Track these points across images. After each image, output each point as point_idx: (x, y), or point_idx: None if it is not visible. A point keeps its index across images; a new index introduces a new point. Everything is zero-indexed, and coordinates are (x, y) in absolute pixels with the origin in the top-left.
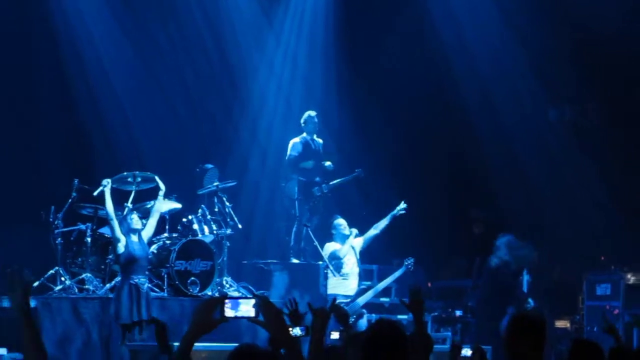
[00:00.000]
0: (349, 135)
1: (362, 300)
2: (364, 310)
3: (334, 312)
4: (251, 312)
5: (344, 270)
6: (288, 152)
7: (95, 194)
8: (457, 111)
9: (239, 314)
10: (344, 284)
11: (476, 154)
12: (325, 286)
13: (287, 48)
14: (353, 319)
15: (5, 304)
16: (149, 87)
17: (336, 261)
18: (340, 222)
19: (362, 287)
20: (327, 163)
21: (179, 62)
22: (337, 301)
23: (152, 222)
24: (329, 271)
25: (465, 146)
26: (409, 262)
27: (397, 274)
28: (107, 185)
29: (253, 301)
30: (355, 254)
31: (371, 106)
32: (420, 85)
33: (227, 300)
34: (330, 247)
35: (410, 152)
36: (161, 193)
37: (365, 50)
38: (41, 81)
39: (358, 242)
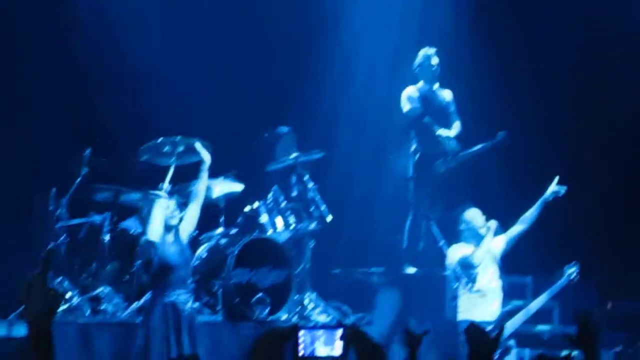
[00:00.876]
0: (486, 86)
1: (508, 327)
2: (512, 343)
3: (472, 342)
4: (337, 350)
5: (479, 285)
6: (403, 109)
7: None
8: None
9: (321, 353)
10: (480, 304)
11: None
12: (455, 308)
13: None
14: (497, 357)
15: (18, 331)
16: (193, 24)
17: (468, 271)
18: (473, 214)
19: (508, 308)
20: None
21: None
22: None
23: (193, 212)
24: (459, 285)
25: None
26: (572, 270)
27: (555, 287)
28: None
29: (340, 332)
30: (496, 260)
31: (520, 46)
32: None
33: (301, 333)
34: (457, 250)
35: (576, 117)
36: (205, 166)
37: None
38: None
39: (499, 244)
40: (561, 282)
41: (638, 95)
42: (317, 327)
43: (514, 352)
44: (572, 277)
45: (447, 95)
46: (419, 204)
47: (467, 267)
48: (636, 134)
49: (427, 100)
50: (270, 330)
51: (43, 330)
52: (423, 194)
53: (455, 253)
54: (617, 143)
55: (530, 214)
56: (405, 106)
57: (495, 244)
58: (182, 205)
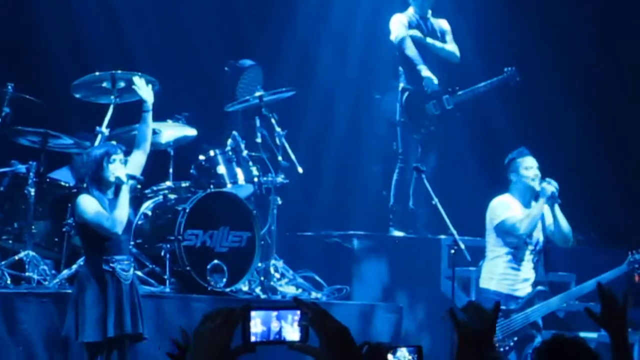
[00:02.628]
0: (491, 16)
1: (538, 309)
2: (535, 332)
3: (480, 318)
4: (294, 334)
5: (518, 253)
6: (394, 39)
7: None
8: None
9: (277, 335)
10: (511, 277)
11: None
12: (478, 280)
13: None
14: (512, 343)
15: None
16: None
17: (509, 238)
18: (528, 161)
19: (540, 289)
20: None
21: None
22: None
23: (137, 161)
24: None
25: None
26: (638, 257)
27: (612, 273)
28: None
29: (297, 315)
30: (545, 226)
31: None
32: None
33: (253, 313)
34: (501, 204)
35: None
36: (146, 106)
37: None
38: None
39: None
40: (621, 268)
41: None
42: (271, 307)
43: (537, 340)
44: (637, 265)
45: (442, 24)
46: (409, 153)
47: (506, 231)
48: None
49: (419, 31)
50: (219, 310)
51: None
52: (413, 142)
53: (499, 207)
54: None
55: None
56: (393, 36)
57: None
58: (125, 154)
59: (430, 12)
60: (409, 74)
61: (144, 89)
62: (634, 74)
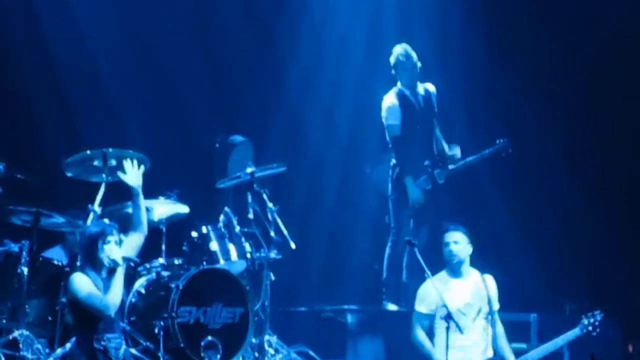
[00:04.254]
0: (479, 86)
1: None
2: None
3: None
4: None
5: (463, 324)
6: (384, 122)
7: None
8: None
9: None
10: (463, 350)
11: None
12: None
13: None
14: None
15: None
16: (127, 18)
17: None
18: (452, 236)
19: (497, 357)
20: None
21: None
22: None
23: (134, 243)
24: (449, 325)
25: None
26: (595, 318)
27: (565, 338)
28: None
29: None
30: (488, 296)
31: (523, 30)
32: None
33: None
34: (427, 285)
35: (590, 123)
36: (136, 189)
37: None
38: None
39: (491, 283)
40: (574, 332)
41: None
42: None
43: None
44: (590, 329)
45: (430, 88)
46: (400, 227)
47: (447, 312)
48: None
49: (409, 105)
50: None
51: None
52: (405, 216)
53: (425, 289)
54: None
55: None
56: (386, 118)
57: (488, 282)
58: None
59: (418, 84)
60: (399, 149)
61: (131, 174)
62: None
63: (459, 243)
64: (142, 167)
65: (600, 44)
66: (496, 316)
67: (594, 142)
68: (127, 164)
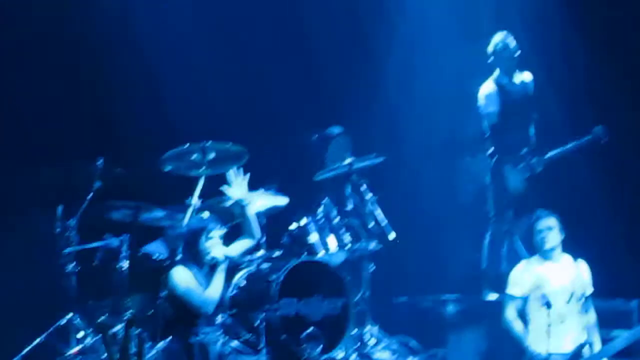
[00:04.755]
0: (576, 73)
1: (590, 355)
2: None
3: None
4: None
5: (555, 310)
6: (482, 110)
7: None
8: None
9: None
10: (557, 334)
11: None
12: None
13: None
14: None
15: None
16: (221, 12)
17: (538, 295)
18: (543, 223)
19: (585, 342)
20: None
21: None
22: None
23: (244, 245)
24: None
25: None
26: None
27: None
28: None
29: None
30: (582, 280)
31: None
32: None
33: None
34: (520, 268)
35: None
36: (242, 201)
37: None
38: None
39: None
40: None
41: None
42: None
43: None
44: None
45: (527, 79)
46: (500, 216)
47: (538, 290)
48: None
49: (507, 94)
50: None
51: None
52: (504, 205)
53: (526, 272)
54: None
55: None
56: (484, 106)
57: (582, 269)
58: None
59: (516, 72)
60: (498, 138)
61: (235, 187)
62: None
63: (552, 229)
64: (247, 177)
65: None
66: (589, 301)
67: None
68: (231, 176)
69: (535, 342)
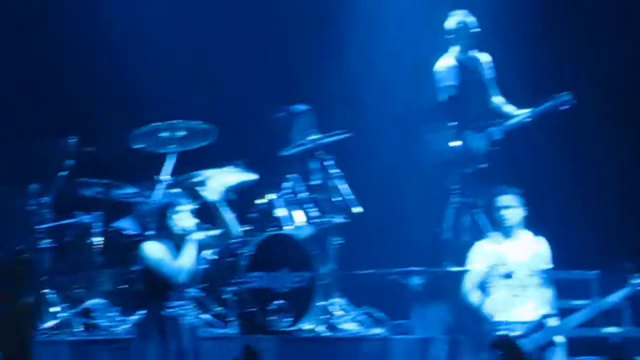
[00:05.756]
0: (540, 46)
1: (553, 326)
2: (554, 340)
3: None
4: None
5: (515, 281)
6: (440, 84)
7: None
8: None
9: None
10: (516, 303)
11: None
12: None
13: None
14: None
15: None
16: None
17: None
18: (504, 200)
19: (554, 312)
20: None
21: None
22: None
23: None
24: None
25: None
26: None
27: (619, 294)
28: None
29: None
30: (541, 256)
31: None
32: None
33: None
34: (481, 244)
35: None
36: (219, 205)
37: None
38: None
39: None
40: (624, 291)
41: None
42: None
43: (560, 350)
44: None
45: (485, 59)
46: (461, 190)
47: (497, 266)
48: None
49: (464, 70)
50: None
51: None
52: (464, 179)
53: (487, 248)
54: None
55: None
56: (442, 80)
57: (539, 245)
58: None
59: (475, 50)
60: (458, 112)
61: (210, 189)
62: None
63: (512, 207)
64: (226, 181)
65: None
66: (548, 276)
67: None
68: (210, 179)
69: (496, 312)
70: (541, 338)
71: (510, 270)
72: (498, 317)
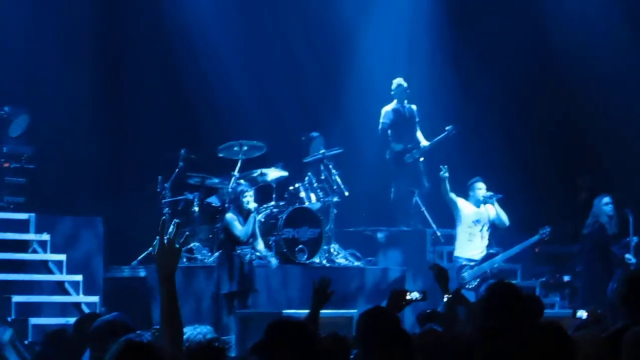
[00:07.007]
0: (452, 95)
1: (488, 265)
2: (488, 274)
3: (435, 270)
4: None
5: (472, 233)
6: (380, 121)
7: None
8: (563, 75)
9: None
10: (469, 247)
11: (583, 119)
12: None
13: (388, 11)
14: (475, 283)
15: (139, 273)
16: (254, 55)
17: (475, 222)
18: (479, 185)
19: (491, 252)
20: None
21: (284, 31)
22: (462, 264)
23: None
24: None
25: (572, 112)
26: (545, 231)
27: (529, 241)
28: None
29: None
30: (490, 219)
31: (475, 67)
32: (525, 46)
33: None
34: (462, 204)
35: (516, 114)
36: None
37: (469, 11)
38: (143, 46)
39: (492, 212)
40: (535, 238)
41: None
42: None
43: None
44: (544, 236)
45: (413, 108)
46: (399, 182)
47: (477, 221)
48: (563, 124)
49: (398, 114)
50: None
51: (172, 275)
52: (400, 176)
53: (462, 206)
54: (549, 132)
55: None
56: (382, 118)
57: (491, 211)
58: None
59: (406, 101)
60: (392, 139)
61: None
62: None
63: (481, 189)
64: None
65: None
66: (489, 229)
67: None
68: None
69: (458, 250)
70: (481, 270)
71: (470, 224)
72: (459, 254)
